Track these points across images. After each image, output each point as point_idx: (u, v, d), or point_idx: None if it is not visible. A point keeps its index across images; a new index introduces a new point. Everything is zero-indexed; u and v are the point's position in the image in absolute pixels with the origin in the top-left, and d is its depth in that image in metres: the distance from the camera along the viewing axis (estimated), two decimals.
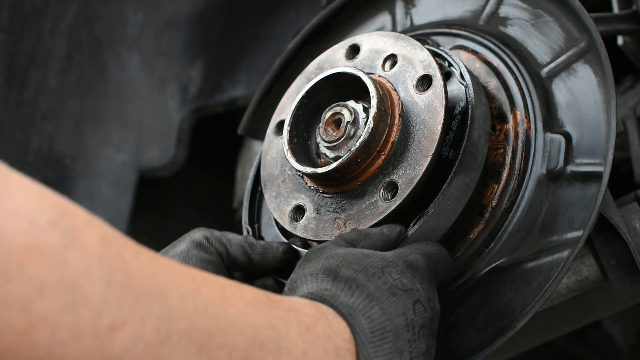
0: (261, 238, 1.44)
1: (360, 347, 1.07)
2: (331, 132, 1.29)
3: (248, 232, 1.44)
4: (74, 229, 0.85)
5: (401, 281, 1.13)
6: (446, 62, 1.32)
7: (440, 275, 1.21)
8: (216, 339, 0.93)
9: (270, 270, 1.32)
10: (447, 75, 1.31)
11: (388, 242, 1.22)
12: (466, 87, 1.27)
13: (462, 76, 1.29)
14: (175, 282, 0.92)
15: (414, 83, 1.28)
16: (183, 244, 1.25)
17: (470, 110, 1.25)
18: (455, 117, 1.27)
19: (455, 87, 1.29)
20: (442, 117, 1.23)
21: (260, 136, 1.60)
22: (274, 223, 1.42)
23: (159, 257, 0.93)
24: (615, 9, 1.60)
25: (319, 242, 1.32)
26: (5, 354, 0.80)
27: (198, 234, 1.27)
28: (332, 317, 1.08)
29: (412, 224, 1.24)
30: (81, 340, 0.83)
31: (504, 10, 1.40)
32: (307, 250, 1.25)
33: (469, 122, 1.24)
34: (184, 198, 2.50)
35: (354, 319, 1.08)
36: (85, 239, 0.85)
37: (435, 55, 1.31)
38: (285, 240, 1.39)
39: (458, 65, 1.30)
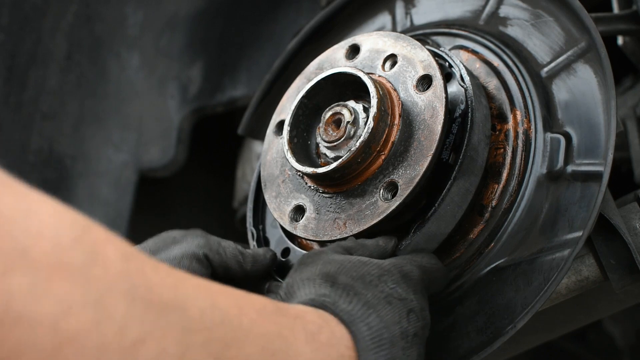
0: (265, 239, 1.44)
1: (362, 354, 1.09)
2: (331, 132, 1.29)
3: (253, 235, 1.44)
4: (96, 245, 0.85)
5: (397, 290, 1.14)
6: (447, 63, 1.32)
7: (433, 288, 1.23)
8: (231, 349, 0.95)
9: (259, 278, 1.33)
10: (447, 77, 1.31)
11: (384, 254, 1.23)
12: (466, 89, 1.27)
13: (462, 78, 1.29)
14: (193, 294, 0.93)
15: (414, 83, 1.28)
16: (177, 249, 1.25)
17: (470, 113, 1.25)
18: (456, 120, 1.27)
19: (455, 89, 1.29)
20: (442, 117, 1.23)
21: (260, 136, 1.60)
22: (278, 224, 1.42)
23: (174, 270, 0.94)
24: (615, 9, 1.60)
25: (319, 242, 1.32)
26: None
27: (194, 242, 1.26)
28: (334, 324, 1.09)
29: (412, 230, 1.24)
30: (107, 357, 0.83)
31: (504, 10, 1.39)
32: (302, 254, 1.25)
33: (468, 126, 1.24)
34: (184, 198, 2.50)
35: (355, 326, 1.10)
36: (107, 255, 0.86)
37: (435, 56, 1.31)
38: (289, 241, 1.39)
39: (458, 67, 1.30)
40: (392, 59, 1.32)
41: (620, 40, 1.62)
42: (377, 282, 1.14)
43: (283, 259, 1.38)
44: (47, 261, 0.81)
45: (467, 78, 1.28)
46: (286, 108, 1.39)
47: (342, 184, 1.28)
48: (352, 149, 1.24)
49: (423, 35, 1.45)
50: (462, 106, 1.27)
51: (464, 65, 1.30)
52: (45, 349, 0.80)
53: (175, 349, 0.88)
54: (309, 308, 1.10)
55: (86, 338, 0.82)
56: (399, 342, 1.11)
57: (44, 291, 0.80)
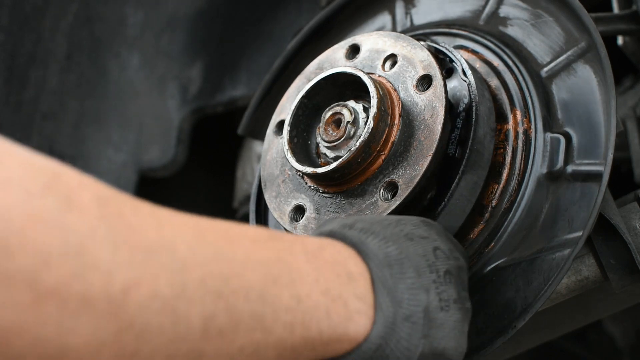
0: None
1: (375, 271, 1.03)
2: (331, 132, 1.29)
3: None
4: (69, 191, 0.81)
5: (417, 231, 1.10)
6: (447, 59, 1.32)
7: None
8: (231, 282, 0.90)
9: None
10: (449, 72, 1.31)
11: None
12: (469, 84, 1.27)
13: (464, 72, 1.29)
14: (179, 232, 0.89)
15: (414, 83, 1.28)
16: None
17: (474, 107, 1.25)
18: (460, 114, 1.27)
19: (458, 84, 1.29)
20: (442, 117, 1.23)
21: (260, 136, 1.60)
22: (280, 224, 1.42)
23: (157, 209, 0.90)
24: (615, 9, 1.60)
25: None
26: (9, 333, 0.76)
27: None
28: (339, 246, 1.05)
29: None
30: (93, 308, 0.79)
31: (504, 10, 1.39)
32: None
33: (473, 120, 1.24)
34: (184, 198, 2.50)
35: (365, 245, 1.05)
36: (81, 201, 0.81)
37: (436, 51, 1.31)
38: None
39: (459, 62, 1.30)
40: (392, 58, 1.32)
41: (620, 40, 1.62)
42: (395, 224, 1.10)
43: None
44: (19, 211, 0.76)
45: (469, 72, 1.28)
46: (286, 108, 1.39)
47: (342, 183, 1.28)
48: (352, 149, 1.24)
49: (423, 35, 1.45)
50: (466, 100, 1.27)
51: (466, 60, 1.30)
52: (21, 304, 0.75)
53: (169, 290, 0.84)
54: (308, 236, 1.06)
55: (69, 290, 0.77)
56: (427, 274, 1.04)
57: (19, 244, 0.75)
